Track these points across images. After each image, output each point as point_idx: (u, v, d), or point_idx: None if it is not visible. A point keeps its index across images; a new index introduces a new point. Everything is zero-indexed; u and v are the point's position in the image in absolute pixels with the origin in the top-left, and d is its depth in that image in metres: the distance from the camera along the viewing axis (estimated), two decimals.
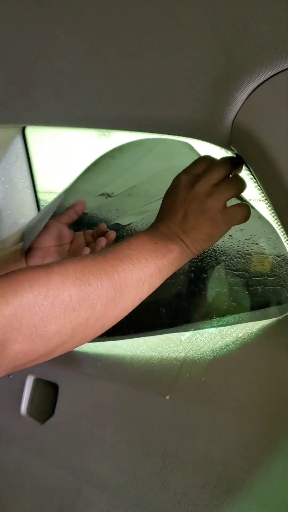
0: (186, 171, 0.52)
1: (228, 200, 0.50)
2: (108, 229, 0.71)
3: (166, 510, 0.46)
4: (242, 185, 0.50)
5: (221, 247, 0.65)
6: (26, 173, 0.80)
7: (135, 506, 0.49)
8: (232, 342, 0.51)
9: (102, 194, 0.77)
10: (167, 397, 0.49)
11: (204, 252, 0.66)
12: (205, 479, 0.44)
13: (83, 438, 0.56)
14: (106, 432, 0.54)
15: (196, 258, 0.66)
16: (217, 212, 0.50)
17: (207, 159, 0.52)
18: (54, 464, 0.58)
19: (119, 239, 0.73)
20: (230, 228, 0.51)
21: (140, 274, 0.47)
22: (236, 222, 0.51)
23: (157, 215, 0.54)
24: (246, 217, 0.51)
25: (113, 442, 0.52)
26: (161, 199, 0.54)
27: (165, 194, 0.54)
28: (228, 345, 0.51)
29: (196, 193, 0.50)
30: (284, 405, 0.42)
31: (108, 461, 0.52)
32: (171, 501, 0.46)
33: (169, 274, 0.50)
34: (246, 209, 0.50)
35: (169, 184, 0.53)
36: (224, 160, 0.50)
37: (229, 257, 0.64)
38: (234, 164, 0.50)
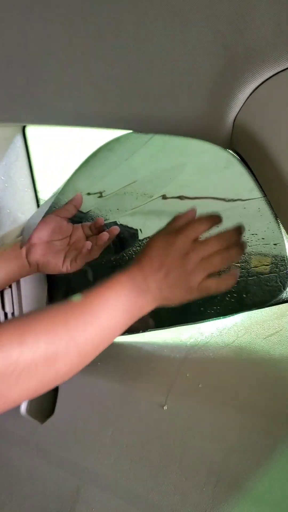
0: (180, 229, 0.54)
1: (212, 273, 0.52)
2: (106, 226, 0.71)
3: (165, 510, 0.46)
4: (231, 261, 0.52)
5: None
6: (26, 172, 0.80)
7: (134, 506, 0.49)
8: (232, 342, 0.51)
9: (98, 193, 0.77)
10: (165, 408, 0.49)
11: None
12: (205, 479, 0.44)
13: (82, 438, 0.56)
14: (105, 432, 0.53)
15: None
16: (196, 282, 0.52)
17: (205, 221, 0.53)
18: (54, 464, 0.58)
19: (118, 238, 0.73)
20: (200, 297, 0.52)
21: (107, 335, 0.48)
22: (208, 294, 0.52)
23: (138, 258, 0.55)
24: (219, 291, 0.52)
25: (113, 442, 0.52)
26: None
27: (150, 241, 0.55)
28: (228, 345, 0.51)
29: (185, 259, 0.52)
30: (284, 405, 0.42)
31: (107, 460, 0.52)
32: (170, 501, 0.46)
33: (131, 323, 0.51)
34: (221, 285, 0.52)
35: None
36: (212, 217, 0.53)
37: None
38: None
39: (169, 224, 0.56)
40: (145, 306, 0.51)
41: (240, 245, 0.53)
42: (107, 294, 0.50)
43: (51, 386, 0.46)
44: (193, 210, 0.56)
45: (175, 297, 0.52)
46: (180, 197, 0.68)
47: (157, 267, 0.52)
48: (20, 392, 0.42)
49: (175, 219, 0.56)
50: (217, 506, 0.43)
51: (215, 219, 0.54)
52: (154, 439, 0.49)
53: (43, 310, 0.48)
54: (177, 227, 0.54)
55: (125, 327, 0.50)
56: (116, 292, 0.50)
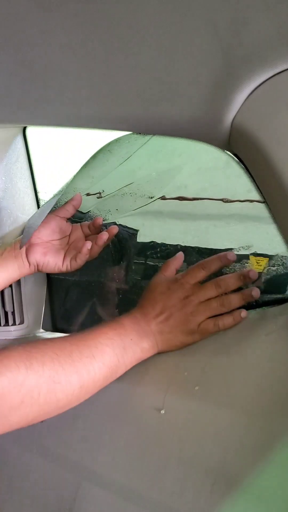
0: (189, 279, 0.56)
1: (211, 315, 0.54)
2: (105, 226, 0.71)
3: (163, 508, 0.46)
4: (229, 307, 0.54)
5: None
6: (27, 172, 0.80)
7: (133, 503, 0.49)
8: (231, 341, 0.51)
9: (97, 193, 0.77)
10: (162, 411, 0.50)
11: None
12: (203, 477, 0.44)
13: (81, 436, 0.56)
14: (104, 430, 0.54)
15: None
16: (196, 324, 0.53)
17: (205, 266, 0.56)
18: (53, 461, 0.58)
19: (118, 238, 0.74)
20: (201, 339, 0.54)
21: (107, 372, 0.50)
22: (209, 335, 0.54)
23: (140, 302, 0.57)
24: (219, 331, 0.53)
25: (112, 440, 0.53)
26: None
27: (151, 286, 0.58)
28: (227, 344, 0.51)
29: (185, 302, 0.54)
30: (283, 402, 0.42)
31: (106, 458, 0.52)
32: (168, 499, 0.46)
33: (132, 365, 0.53)
34: (220, 326, 0.53)
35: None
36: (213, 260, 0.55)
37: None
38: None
39: (162, 269, 0.59)
40: (148, 349, 0.53)
41: (245, 293, 0.55)
42: (111, 333, 0.51)
43: (49, 415, 0.47)
44: (181, 254, 0.61)
45: (177, 338, 0.54)
46: (179, 198, 0.68)
47: (159, 311, 0.54)
48: (19, 417, 0.44)
49: (166, 264, 0.60)
50: (215, 504, 0.43)
51: (214, 263, 0.56)
52: (153, 437, 0.49)
53: (50, 339, 0.49)
54: (176, 274, 0.58)
55: (126, 368, 0.52)
56: (119, 333, 0.51)
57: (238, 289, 0.56)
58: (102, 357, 0.49)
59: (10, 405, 0.42)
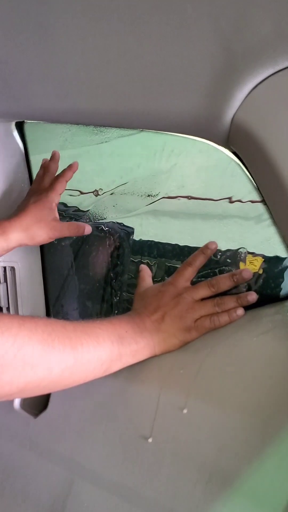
0: (178, 278, 0.56)
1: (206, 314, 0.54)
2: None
3: (157, 505, 0.47)
4: (224, 307, 0.54)
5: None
6: (23, 167, 0.80)
7: (127, 501, 0.49)
8: (227, 339, 0.51)
9: (94, 191, 0.77)
10: (157, 409, 0.49)
11: None
12: (197, 475, 0.44)
13: (76, 432, 0.56)
14: (99, 426, 0.54)
15: None
16: (192, 320, 0.53)
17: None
18: (47, 458, 0.58)
19: (116, 235, 0.73)
20: (197, 336, 0.54)
21: (102, 354, 0.48)
22: (205, 332, 0.54)
23: (134, 306, 0.57)
24: (215, 328, 0.53)
25: (106, 437, 0.53)
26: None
27: (143, 292, 0.59)
28: (222, 342, 0.51)
29: (179, 299, 0.54)
30: (278, 401, 0.42)
31: (100, 455, 0.52)
32: (162, 496, 0.46)
33: (129, 364, 0.52)
34: (216, 322, 0.53)
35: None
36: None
37: (219, 257, 0.64)
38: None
39: (139, 282, 0.61)
40: (143, 345, 0.52)
41: (241, 297, 0.54)
42: (106, 324, 0.50)
43: (42, 387, 0.44)
44: (143, 266, 0.64)
45: (174, 336, 0.53)
46: (177, 198, 0.68)
47: (152, 310, 0.54)
48: (11, 377, 0.41)
49: (140, 278, 0.62)
50: (209, 502, 0.43)
51: (198, 258, 0.57)
52: (147, 434, 0.49)
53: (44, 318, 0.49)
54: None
55: (121, 361, 0.50)
56: (114, 324, 0.51)
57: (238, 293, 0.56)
58: (97, 338, 0.47)
59: (2, 362, 0.41)
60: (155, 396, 0.50)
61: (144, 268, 0.63)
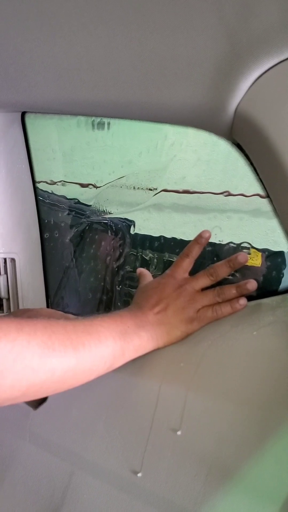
0: (177, 270, 0.56)
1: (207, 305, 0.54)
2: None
3: (156, 498, 0.47)
4: (224, 298, 0.53)
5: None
6: (24, 159, 0.79)
7: (126, 493, 0.49)
8: (226, 333, 0.51)
9: (93, 183, 0.76)
10: (157, 402, 0.49)
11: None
12: (197, 468, 0.44)
13: (75, 424, 0.56)
14: (99, 418, 0.54)
15: None
16: (194, 311, 0.53)
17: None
18: (46, 449, 0.58)
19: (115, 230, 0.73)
20: (200, 327, 0.53)
21: (105, 353, 0.47)
22: (208, 322, 0.53)
23: (134, 300, 0.57)
24: (218, 318, 0.53)
25: (106, 429, 0.53)
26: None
27: (140, 288, 0.58)
28: (223, 335, 0.51)
29: (180, 291, 0.54)
30: (279, 394, 0.42)
31: (100, 447, 0.52)
32: (162, 488, 0.46)
33: (132, 358, 0.51)
34: (219, 312, 0.53)
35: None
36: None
37: (221, 251, 0.64)
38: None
39: (140, 280, 0.61)
40: (146, 339, 0.51)
41: (240, 285, 0.54)
42: (107, 320, 0.50)
43: (45, 389, 0.44)
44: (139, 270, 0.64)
45: (177, 328, 0.53)
46: (178, 191, 0.68)
47: (154, 303, 0.54)
48: (12, 381, 0.41)
49: (141, 276, 0.62)
50: (208, 494, 0.43)
51: (194, 248, 0.57)
52: (147, 427, 0.49)
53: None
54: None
55: (124, 355, 0.50)
56: (115, 320, 0.50)
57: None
58: (99, 336, 0.47)
59: (1, 368, 0.40)
60: (156, 389, 0.50)
61: (142, 269, 0.64)
